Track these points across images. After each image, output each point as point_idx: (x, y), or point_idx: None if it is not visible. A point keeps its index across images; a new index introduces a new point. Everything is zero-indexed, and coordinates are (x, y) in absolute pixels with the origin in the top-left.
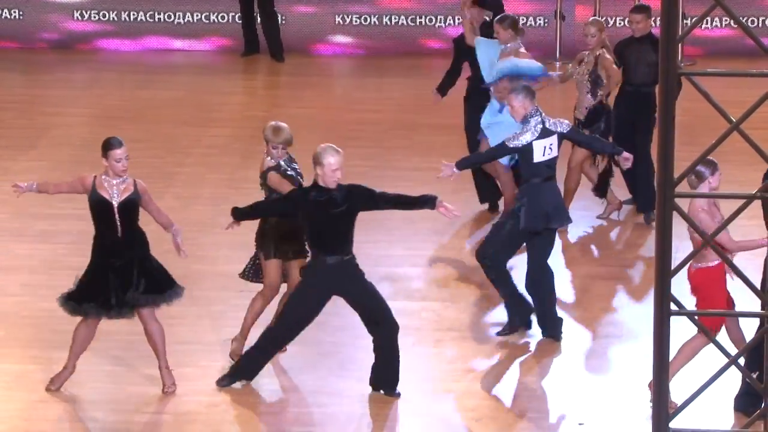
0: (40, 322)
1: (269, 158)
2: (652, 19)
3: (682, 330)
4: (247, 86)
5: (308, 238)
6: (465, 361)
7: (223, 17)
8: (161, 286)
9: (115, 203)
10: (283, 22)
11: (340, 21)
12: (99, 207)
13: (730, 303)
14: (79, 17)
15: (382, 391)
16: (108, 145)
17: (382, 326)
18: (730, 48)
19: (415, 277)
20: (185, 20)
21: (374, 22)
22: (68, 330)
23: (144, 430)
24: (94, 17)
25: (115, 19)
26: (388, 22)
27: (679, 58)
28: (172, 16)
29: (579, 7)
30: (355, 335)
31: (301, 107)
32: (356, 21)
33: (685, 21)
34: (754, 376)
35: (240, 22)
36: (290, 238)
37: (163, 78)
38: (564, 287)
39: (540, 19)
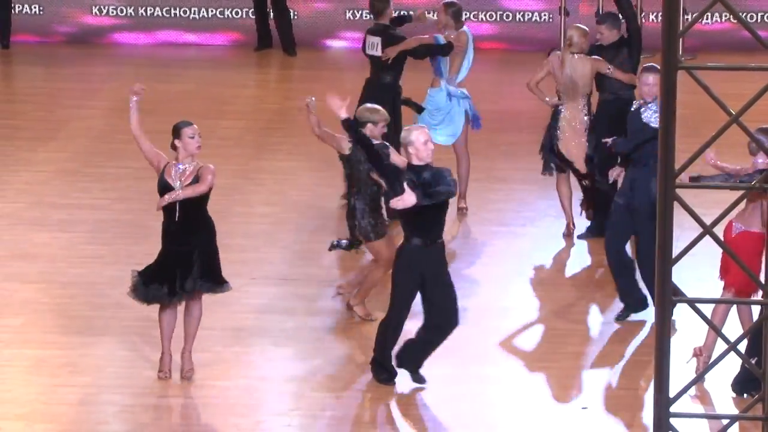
0: (59, 309)
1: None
2: (622, 24)
3: (683, 317)
4: (260, 80)
5: (402, 221)
6: (469, 346)
7: (236, 13)
8: (215, 274)
9: (178, 188)
10: (295, 17)
11: (351, 16)
12: (163, 192)
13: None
14: (97, 12)
15: (407, 371)
16: (177, 127)
17: (441, 327)
18: (727, 41)
19: None
20: (200, 15)
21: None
22: (86, 316)
23: (160, 414)
24: (112, 12)
25: (132, 14)
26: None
27: (680, 52)
28: (188, 12)
29: (583, 3)
30: (355, 321)
31: None
32: (366, 16)
33: (685, 16)
34: (753, 361)
35: (253, 17)
36: (379, 215)
37: (178, 71)
38: (584, 271)
39: (545, 15)
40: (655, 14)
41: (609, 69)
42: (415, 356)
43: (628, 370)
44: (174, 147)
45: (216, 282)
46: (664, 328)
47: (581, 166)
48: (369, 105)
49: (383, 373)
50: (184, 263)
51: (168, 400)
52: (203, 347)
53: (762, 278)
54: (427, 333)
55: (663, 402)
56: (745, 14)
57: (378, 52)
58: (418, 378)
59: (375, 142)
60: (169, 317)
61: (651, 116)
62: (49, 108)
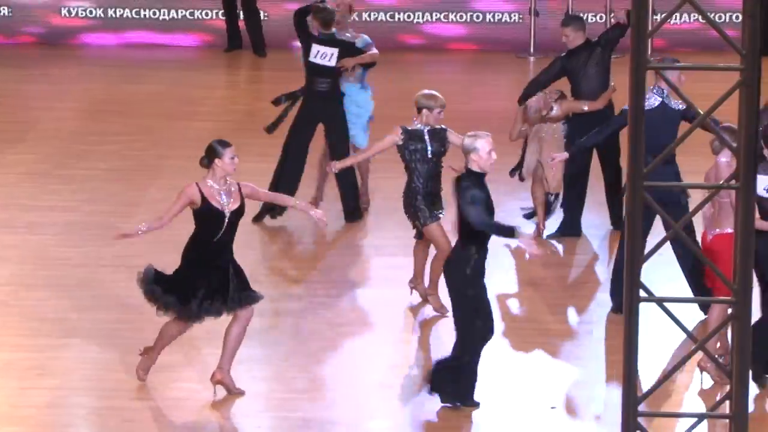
0: (27, 311)
1: (419, 125)
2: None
3: (651, 316)
4: (230, 81)
5: (471, 231)
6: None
7: (206, 14)
8: (248, 285)
9: (227, 212)
10: (266, 18)
11: None
12: (209, 216)
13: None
14: (66, 13)
15: (458, 404)
16: (218, 147)
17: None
18: (696, 40)
19: (392, 266)
20: (169, 16)
21: (354, 18)
22: (55, 318)
23: (129, 416)
24: (81, 13)
25: (102, 15)
26: (367, 18)
27: (649, 52)
28: (157, 13)
29: (552, 3)
30: (334, 323)
31: None
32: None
33: (654, 17)
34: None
35: (223, 18)
36: (436, 200)
37: (148, 73)
38: (554, 271)
39: (515, 16)
40: None
41: (585, 108)
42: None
43: (598, 370)
44: (208, 166)
45: (252, 291)
46: (631, 328)
47: (551, 181)
48: (426, 91)
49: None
50: (224, 279)
51: (137, 403)
52: (173, 349)
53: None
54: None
55: (631, 401)
56: (713, 14)
57: (332, 63)
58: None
59: (436, 126)
60: (181, 330)
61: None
62: (18, 109)
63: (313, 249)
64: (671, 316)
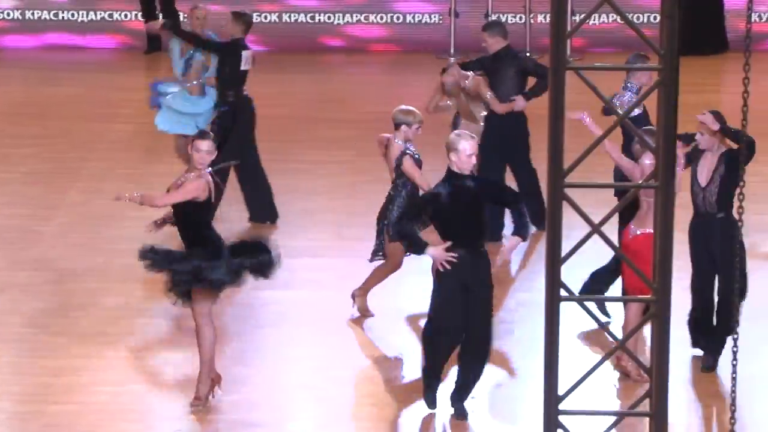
0: None
1: (399, 141)
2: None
3: (571, 315)
4: (149, 83)
5: (441, 231)
6: (363, 348)
7: (125, 15)
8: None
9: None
10: (185, 20)
11: None
12: (208, 204)
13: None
14: None
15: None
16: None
17: (471, 350)
18: (613, 39)
19: (316, 268)
20: (88, 18)
21: (275, 20)
22: None
23: (50, 420)
24: None
25: (20, 17)
26: (288, 20)
27: (568, 52)
28: (75, 14)
29: (473, 4)
30: (256, 325)
31: None
32: (257, 19)
33: (573, 17)
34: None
35: (142, 20)
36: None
37: (66, 75)
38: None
39: (435, 17)
40: (543, 15)
41: (488, 95)
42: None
43: (519, 368)
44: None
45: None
46: (552, 327)
47: None
48: (404, 107)
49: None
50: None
51: (57, 407)
52: (94, 352)
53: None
54: (460, 356)
55: (552, 399)
56: (631, 15)
57: (250, 66)
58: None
59: (410, 148)
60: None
61: (622, 101)
62: None
63: None
64: (591, 315)
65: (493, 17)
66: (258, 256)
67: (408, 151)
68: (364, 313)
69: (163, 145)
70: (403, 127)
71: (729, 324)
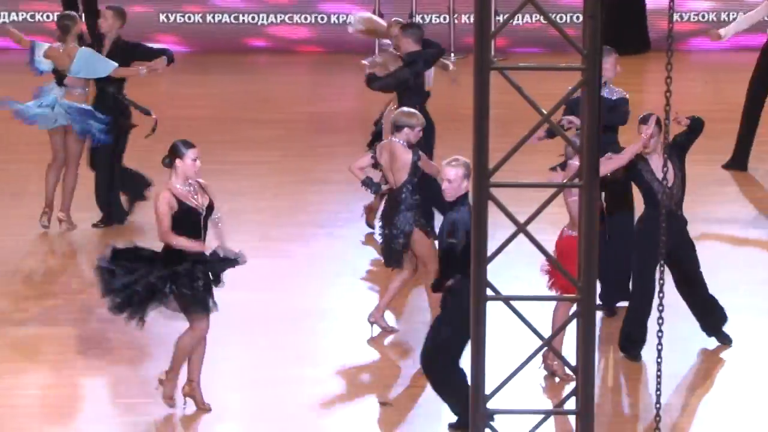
0: None
1: (402, 142)
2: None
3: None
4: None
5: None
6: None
7: (47, 16)
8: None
9: (202, 211)
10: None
11: (165, 19)
12: (188, 217)
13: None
14: None
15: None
16: (181, 147)
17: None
18: (537, 39)
19: (241, 269)
20: (9, 19)
21: (198, 20)
22: None
23: None
24: None
25: None
26: (212, 21)
27: (492, 52)
28: None
29: (397, 4)
30: (182, 327)
31: None
32: (180, 19)
33: (497, 17)
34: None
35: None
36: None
37: None
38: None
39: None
40: (467, 15)
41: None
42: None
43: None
44: (169, 165)
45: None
46: (479, 326)
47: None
48: (406, 109)
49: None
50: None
51: None
52: (21, 355)
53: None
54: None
55: (479, 398)
56: (555, 15)
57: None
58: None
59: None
60: (195, 339)
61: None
62: None
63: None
64: (518, 314)
65: (417, 18)
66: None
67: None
68: (388, 330)
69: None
70: (406, 130)
71: (721, 312)
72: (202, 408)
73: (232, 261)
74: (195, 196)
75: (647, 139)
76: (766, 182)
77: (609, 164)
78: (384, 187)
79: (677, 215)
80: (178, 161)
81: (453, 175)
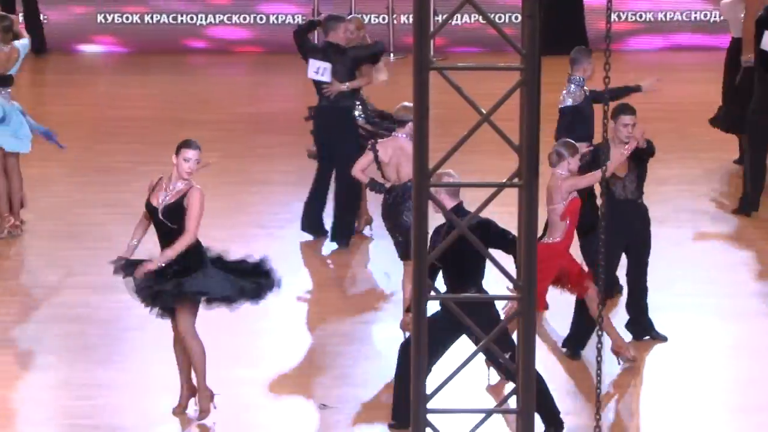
0: None
1: (406, 136)
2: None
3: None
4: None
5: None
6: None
7: None
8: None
9: (159, 209)
10: (45, 20)
11: (103, 20)
12: (148, 209)
13: (583, 276)
14: None
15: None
16: (179, 144)
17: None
18: (476, 39)
19: None
20: None
21: (136, 21)
22: None
23: None
24: None
25: None
26: (151, 21)
27: (431, 52)
28: None
29: (335, 5)
30: (121, 328)
31: (66, 104)
32: (119, 20)
33: (435, 17)
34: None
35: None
36: None
37: None
38: (343, 272)
39: (298, 17)
40: (406, 15)
41: (346, 85)
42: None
43: (386, 368)
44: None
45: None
46: (420, 326)
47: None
48: (407, 104)
49: None
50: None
51: None
52: None
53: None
54: None
55: (420, 398)
56: (493, 14)
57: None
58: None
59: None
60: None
61: (570, 92)
62: None
63: (99, 253)
64: (458, 314)
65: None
66: (257, 279)
67: None
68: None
69: None
70: (410, 124)
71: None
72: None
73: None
74: (163, 195)
75: (629, 152)
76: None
77: (596, 175)
78: (387, 185)
79: (636, 203)
80: (173, 157)
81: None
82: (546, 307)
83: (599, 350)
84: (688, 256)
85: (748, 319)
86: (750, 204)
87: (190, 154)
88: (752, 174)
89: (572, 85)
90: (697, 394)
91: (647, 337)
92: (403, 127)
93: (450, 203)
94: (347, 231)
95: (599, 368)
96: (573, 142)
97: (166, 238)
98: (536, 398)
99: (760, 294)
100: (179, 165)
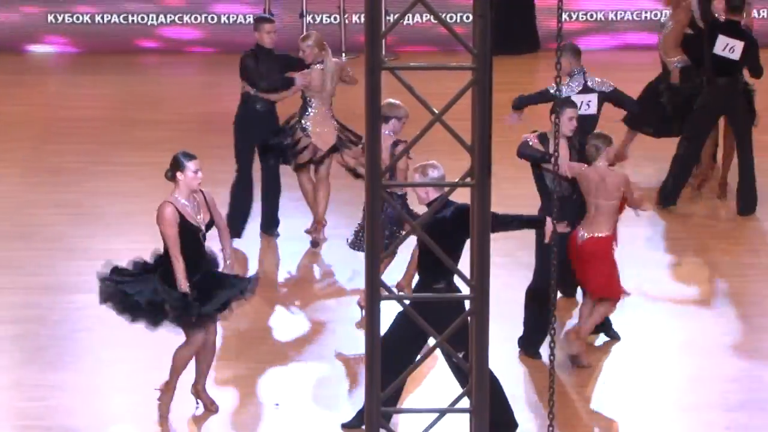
0: None
1: (389, 133)
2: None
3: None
4: None
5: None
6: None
7: None
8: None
9: (202, 227)
10: None
11: (53, 20)
12: (188, 233)
13: (615, 268)
14: None
15: None
16: (182, 159)
17: None
18: (428, 38)
19: None
20: None
21: (87, 21)
22: None
23: None
24: None
25: None
26: (101, 21)
27: (383, 52)
28: None
29: (287, 5)
30: (73, 329)
31: (16, 105)
32: (69, 20)
33: (387, 17)
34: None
35: None
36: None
37: None
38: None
39: (249, 17)
40: (357, 15)
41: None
42: None
43: (342, 367)
44: (172, 179)
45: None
46: (373, 325)
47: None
48: (391, 101)
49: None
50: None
51: None
52: None
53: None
54: None
55: (374, 398)
56: (444, 14)
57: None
58: None
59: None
60: (192, 351)
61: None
62: None
63: (50, 253)
64: (411, 313)
65: (308, 18)
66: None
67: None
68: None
69: None
70: (393, 121)
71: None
72: (210, 409)
73: (236, 291)
74: (197, 214)
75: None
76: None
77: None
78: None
79: (573, 199)
80: (179, 174)
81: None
82: (627, 293)
83: (552, 349)
84: (636, 255)
85: (698, 317)
86: (667, 198)
87: (197, 164)
88: (678, 168)
89: (576, 78)
90: (650, 392)
91: (602, 335)
92: (387, 123)
93: (434, 194)
94: (276, 220)
95: (552, 368)
96: (606, 133)
97: (199, 250)
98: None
99: (708, 291)
100: (191, 179)
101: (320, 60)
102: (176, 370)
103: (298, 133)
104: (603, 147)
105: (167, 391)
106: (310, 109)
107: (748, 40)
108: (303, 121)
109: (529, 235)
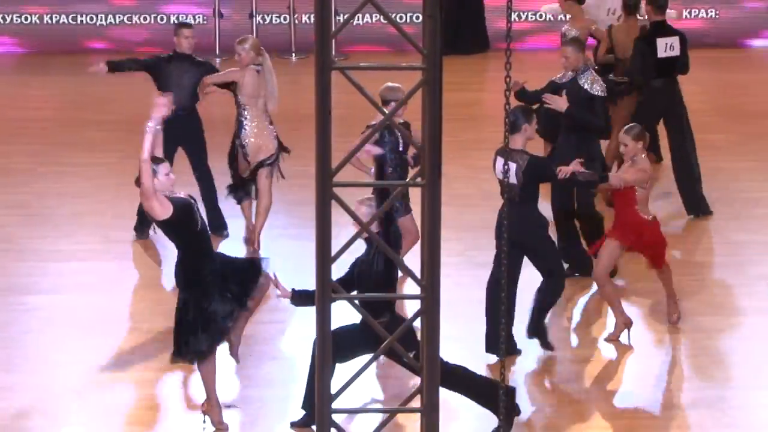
0: None
1: None
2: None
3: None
4: None
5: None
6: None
7: None
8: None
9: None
10: None
11: (1, 20)
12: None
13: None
14: None
15: None
16: (152, 165)
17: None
18: (378, 38)
19: (83, 271)
20: None
21: (36, 21)
22: None
23: None
24: None
25: None
26: (50, 21)
27: (333, 52)
28: None
29: (237, 5)
30: (22, 330)
31: None
32: (17, 20)
33: (337, 17)
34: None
35: None
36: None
37: None
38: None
39: (199, 18)
40: (307, 15)
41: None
42: None
43: (293, 368)
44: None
45: None
46: (324, 326)
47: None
48: (390, 84)
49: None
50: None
51: None
52: None
53: (418, 274)
54: None
55: (324, 398)
56: (394, 14)
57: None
58: None
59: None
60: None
61: (587, 84)
62: None
63: (5, 255)
64: (361, 312)
65: (258, 18)
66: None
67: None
68: None
69: None
70: (393, 104)
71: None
72: (219, 428)
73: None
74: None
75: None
76: None
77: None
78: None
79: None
80: (161, 176)
81: (365, 212)
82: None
83: (503, 349)
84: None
85: (636, 320)
86: (695, 208)
87: (167, 167)
88: (683, 177)
89: (585, 74)
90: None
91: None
92: (387, 106)
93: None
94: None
95: (503, 366)
96: (635, 125)
97: (205, 234)
98: (473, 390)
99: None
100: (164, 182)
101: (258, 63)
102: (208, 384)
103: (240, 158)
104: (631, 140)
105: (212, 407)
106: (245, 122)
107: (680, 34)
108: (241, 139)
109: (480, 234)
